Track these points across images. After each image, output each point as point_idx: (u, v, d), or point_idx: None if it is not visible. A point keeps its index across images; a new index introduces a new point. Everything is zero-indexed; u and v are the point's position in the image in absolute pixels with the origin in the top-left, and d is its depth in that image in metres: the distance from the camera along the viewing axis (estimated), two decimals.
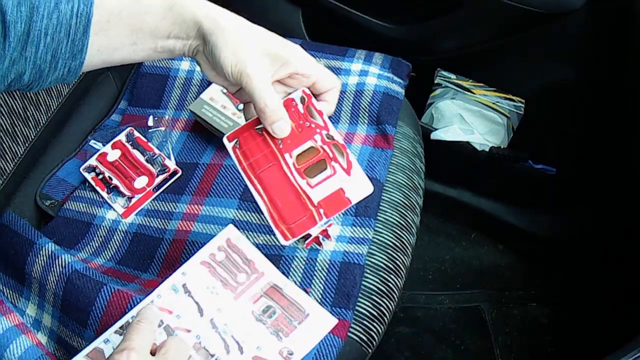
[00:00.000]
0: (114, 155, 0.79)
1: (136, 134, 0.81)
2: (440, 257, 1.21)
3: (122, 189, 0.76)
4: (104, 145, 0.81)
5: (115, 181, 0.77)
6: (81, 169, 0.79)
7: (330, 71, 0.57)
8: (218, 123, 0.80)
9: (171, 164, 0.78)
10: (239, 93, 0.56)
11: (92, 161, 0.79)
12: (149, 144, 0.80)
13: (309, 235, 0.67)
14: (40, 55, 0.47)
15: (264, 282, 0.64)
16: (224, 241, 0.67)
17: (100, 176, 0.78)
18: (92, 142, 0.82)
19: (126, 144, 0.81)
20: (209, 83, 0.85)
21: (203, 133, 0.82)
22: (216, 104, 0.82)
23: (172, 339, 0.53)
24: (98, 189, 0.77)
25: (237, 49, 0.51)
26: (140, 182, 0.77)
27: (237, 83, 0.52)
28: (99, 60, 0.51)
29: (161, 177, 0.77)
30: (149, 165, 0.78)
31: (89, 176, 0.78)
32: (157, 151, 0.80)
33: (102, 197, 0.77)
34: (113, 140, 0.81)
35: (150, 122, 0.84)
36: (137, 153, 0.79)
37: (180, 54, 0.53)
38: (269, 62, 0.52)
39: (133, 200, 0.76)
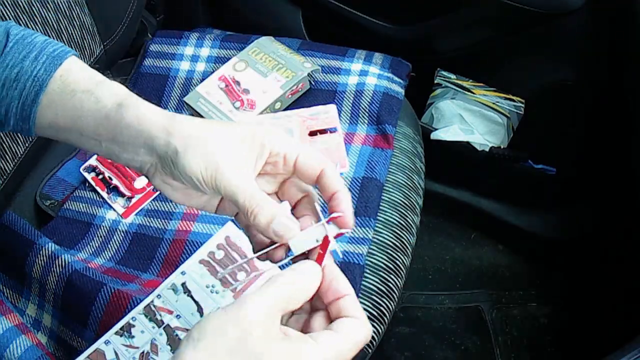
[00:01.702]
0: None
1: None
2: (440, 257, 1.21)
3: (122, 189, 0.76)
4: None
5: (115, 181, 0.77)
6: (81, 169, 0.79)
7: (314, 151, 0.44)
8: (212, 119, 0.80)
9: None
10: (222, 208, 0.46)
11: (92, 161, 0.79)
12: None
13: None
14: None
15: (263, 281, 0.64)
16: (223, 239, 0.67)
17: (100, 176, 0.78)
18: None
19: None
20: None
21: None
22: (212, 99, 0.82)
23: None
24: (98, 189, 0.77)
25: (206, 151, 0.40)
26: (140, 182, 0.77)
27: (213, 190, 0.41)
28: (51, 134, 0.46)
29: None
30: None
31: (89, 176, 0.78)
32: None
33: (102, 197, 0.77)
34: None
35: None
36: None
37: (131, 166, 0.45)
38: (246, 150, 0.42)
39: (133, 200, 0.76)
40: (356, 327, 0.38)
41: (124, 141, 0.42)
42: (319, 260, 0.40)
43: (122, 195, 0.76)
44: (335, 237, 0.43)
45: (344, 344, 0.37)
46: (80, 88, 0.43)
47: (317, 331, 0.38)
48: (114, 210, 0.76)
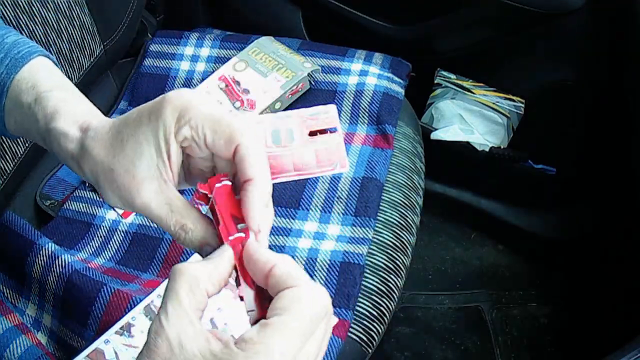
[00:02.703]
0: None
1: None
2: (440, 257, 1.21)
3: None
4: None
5: None
6: None
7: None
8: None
9: None
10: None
11: None
12: None
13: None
14: None
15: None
16: None
17: None
18: None
19: None
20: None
21: None
22: (212, 99, 0.82)
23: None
24: None
25: (113, 185, 0.37)
26: None
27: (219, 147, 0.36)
28: (21, 133, 0.44)
29: None
30: None
31: None
32: None
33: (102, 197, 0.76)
34: None
35: None
36: None
37: None
38: (150, 150, 0.37)
39: None
40: (294, 302, 0.31)
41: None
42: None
43: None
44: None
45: (284, 333, 0.30)
46: (27, 101, 0.41)
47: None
48: (114, 210, 0.76)
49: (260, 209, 0.36)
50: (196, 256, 0.65)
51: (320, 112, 0.82)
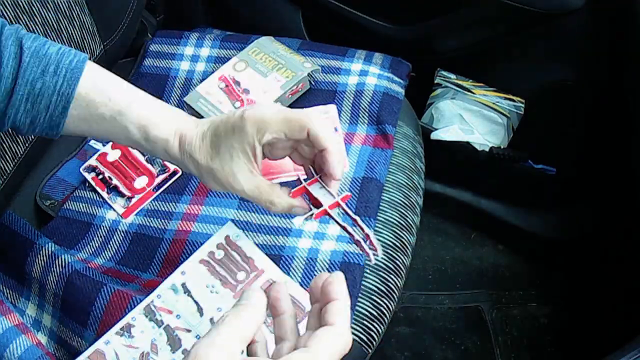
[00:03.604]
0: (114, 155, 0.79)
1: None
2: (440, 257, 1.21)
3: (122, 189, 0.76)
4: (103, 145, 0.81)
5: (115, 181, 0.77)
6: (81, 169, 0.79)
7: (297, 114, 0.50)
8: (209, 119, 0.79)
9: (171, 165, 0.78)
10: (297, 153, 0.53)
11: (92, 161, 0.79)
12: None
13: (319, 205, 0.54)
14: (19, 118, 0.47)
15: (263, 280, 0.64)
16: (223, 239, 0.67)
17: (100, 176, 0.78)
18: (91, 142, 0.82)
19: None
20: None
21: None
22: (212, 99, 0.82)
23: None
24: (98, 189, 0.77)
25: (214, 177, 0.51)
26: (140, 182, 0.77)
27: (296, 132, 0.49)
28: (79, 134, 0.52)
29: (161, 177, 0.77)
30: (149, 166, 0.78)
31: (89, 176, 0.78)
32: None
33: (102, 197, 0.77)
34: None
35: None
36: (137, 153, 0.79)
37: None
38: (239, 147, 0.51)
39: (133, 200, 0.76)
40: (330, 337, 0.37)
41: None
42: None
43: (122, 195, 0.76)
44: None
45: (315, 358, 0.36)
46: (108, 113, 0.49)
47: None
48: (114, 210, 0.76)
49: (338, 166, 0.50)
50: (196, 255, 0.66)
51: (320, 112, 0.82)
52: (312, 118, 0.49)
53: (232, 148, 0.49)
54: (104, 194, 0.77)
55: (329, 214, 0.53)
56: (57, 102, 0.47)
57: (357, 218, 0.51)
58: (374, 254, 0.52)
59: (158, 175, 0.77)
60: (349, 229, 0.53)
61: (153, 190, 0.77)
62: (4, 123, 0.48)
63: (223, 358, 0.35)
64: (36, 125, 0.48)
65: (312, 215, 0.53)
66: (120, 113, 0.49)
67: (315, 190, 0.53)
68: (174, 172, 0.78)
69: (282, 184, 0.53)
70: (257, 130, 0.49)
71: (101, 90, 0.49)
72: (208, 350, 0.34)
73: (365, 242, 0.53)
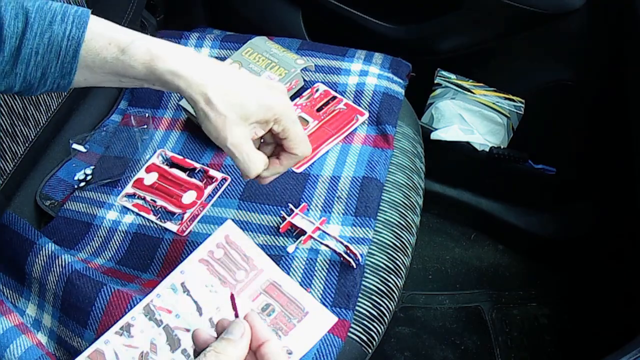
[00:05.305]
0: (150, 178, 0.78)
1: (169, 153, 0.80)
2: (440, 257, 1.21)
3: (171, 207, 0.74)
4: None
5: (160, 202, 0.75)
6: (118, 200, 0.76)
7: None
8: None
9: (217, 174, 0.77)
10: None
11: (129, 189, 0.77)
12: (186, 160, 0.79)
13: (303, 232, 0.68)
14: (30, 71, 0.48)
15: (263, 279, 0.64)
16: (223, 238, 0.67)
17: (142, 201, 0.76)
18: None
19: (161, 165, 0.79)
20: None
21: (203, 133, 0.82)
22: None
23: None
24: (143, 214, 0.75)
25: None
26: (189, 197, 0.75)
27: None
28: (87, 84, 0.52)
29: (210, 188, 0.76)
30: (193, 180, 0.77)
31: (129, 204, 0.76)
32: (197, 165, 0.78)
33: (151, 222, 0.75)
34: (146, 165, 0.79)
35: (133, 122, 0.83)
36: (176, 171, 0.78)
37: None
38: (256, 119, 0.53)
39: (185, 216, 0.74)
40: None
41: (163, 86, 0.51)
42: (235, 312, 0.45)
43: (171, 213, 0.74)
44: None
45: None
46: (111, 55, 0.48)
47: None
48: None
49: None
50: (195, 254, 0.66)
51: (312, 93, 0.83)
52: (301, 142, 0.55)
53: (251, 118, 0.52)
54: (152, 218, 0.74)
55: (313, 237, 0.67)
56: (67, 47, 0.47)
57: (335, 236, 0.62)
58: (354, 261, 0.65)
59: (207, 187, 0.76)
60: (331, 245, 0.66)
61: (206, 201, 0.75)
62: (15, 83, 0.48)
63: None
64: (47, 76, 0.48)
65: (300, 242, 0.67)
66: (123, 52, 0.48)
67: (298, 221, 0.68)
68: (223, 180, 0.76)
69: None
70: (274, 120, 0.53)
71: (101, 34, 0.49)
72: None
73: (346, 253, 0.66)
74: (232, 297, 0.44)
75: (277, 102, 0.53)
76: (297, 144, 0.55)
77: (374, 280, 0.68)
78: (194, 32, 0.94)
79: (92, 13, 0.49)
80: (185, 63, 0.49)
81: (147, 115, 0.85)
